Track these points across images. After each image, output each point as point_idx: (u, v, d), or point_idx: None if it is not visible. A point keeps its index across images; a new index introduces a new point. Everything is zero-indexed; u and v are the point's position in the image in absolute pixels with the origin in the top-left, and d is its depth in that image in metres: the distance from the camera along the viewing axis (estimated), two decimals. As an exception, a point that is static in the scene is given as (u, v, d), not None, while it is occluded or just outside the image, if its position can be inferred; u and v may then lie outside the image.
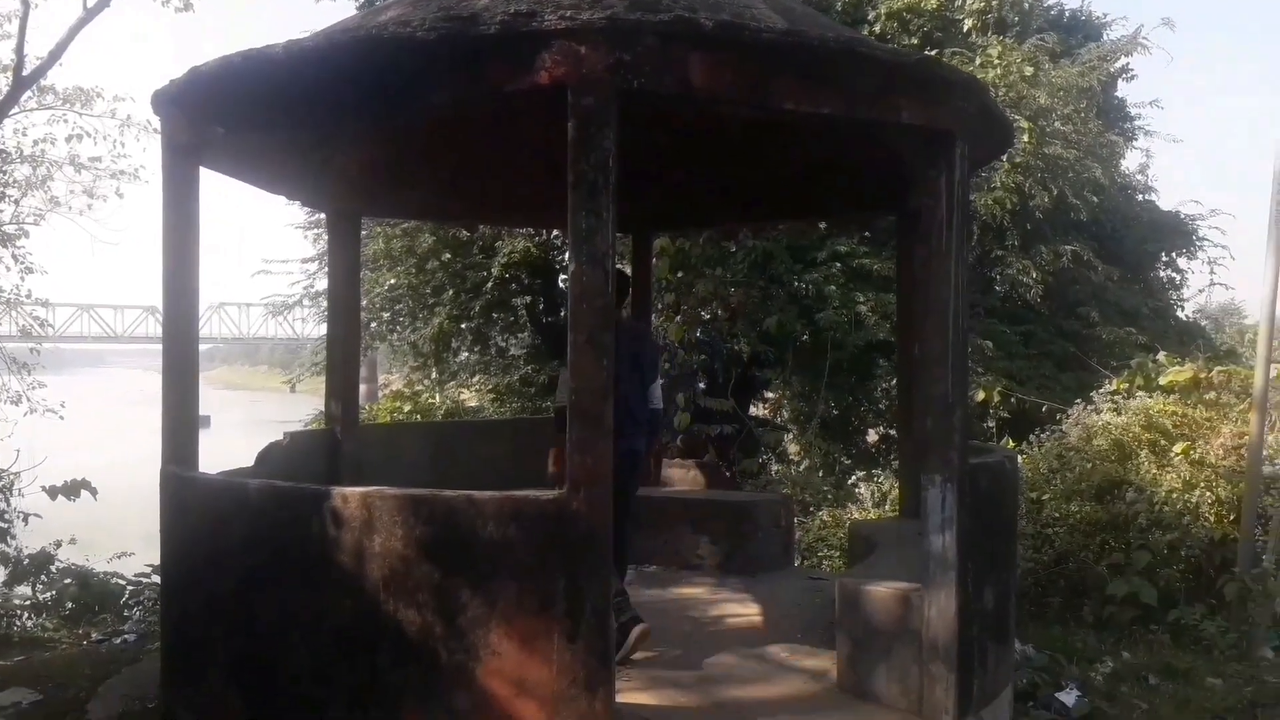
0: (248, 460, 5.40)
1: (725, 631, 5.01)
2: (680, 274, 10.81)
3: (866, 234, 11.02)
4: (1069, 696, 4.60)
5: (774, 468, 10.95)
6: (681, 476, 6.70)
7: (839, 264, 10.39)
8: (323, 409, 6.73)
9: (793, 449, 11.71)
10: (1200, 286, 14.03)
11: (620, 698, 3.88)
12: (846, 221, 10.30)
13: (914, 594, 3.92)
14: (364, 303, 13.04)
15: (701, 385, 11.62)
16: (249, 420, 36.41)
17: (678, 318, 10.80)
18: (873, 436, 11.98)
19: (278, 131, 4.31)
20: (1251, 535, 6.37)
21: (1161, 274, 13.56)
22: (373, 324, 12.97)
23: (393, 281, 12.48)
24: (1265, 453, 6.66)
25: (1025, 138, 10.33)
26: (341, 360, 6.16)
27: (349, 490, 3.59)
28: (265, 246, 47.53)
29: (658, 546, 6.17)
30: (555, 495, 3.31)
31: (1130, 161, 13.72)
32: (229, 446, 8.99)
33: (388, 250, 12.33)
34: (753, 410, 12.70)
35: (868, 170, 5.57)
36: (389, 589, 3.44)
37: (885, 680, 3.96)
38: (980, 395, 9.57)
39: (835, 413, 11.61)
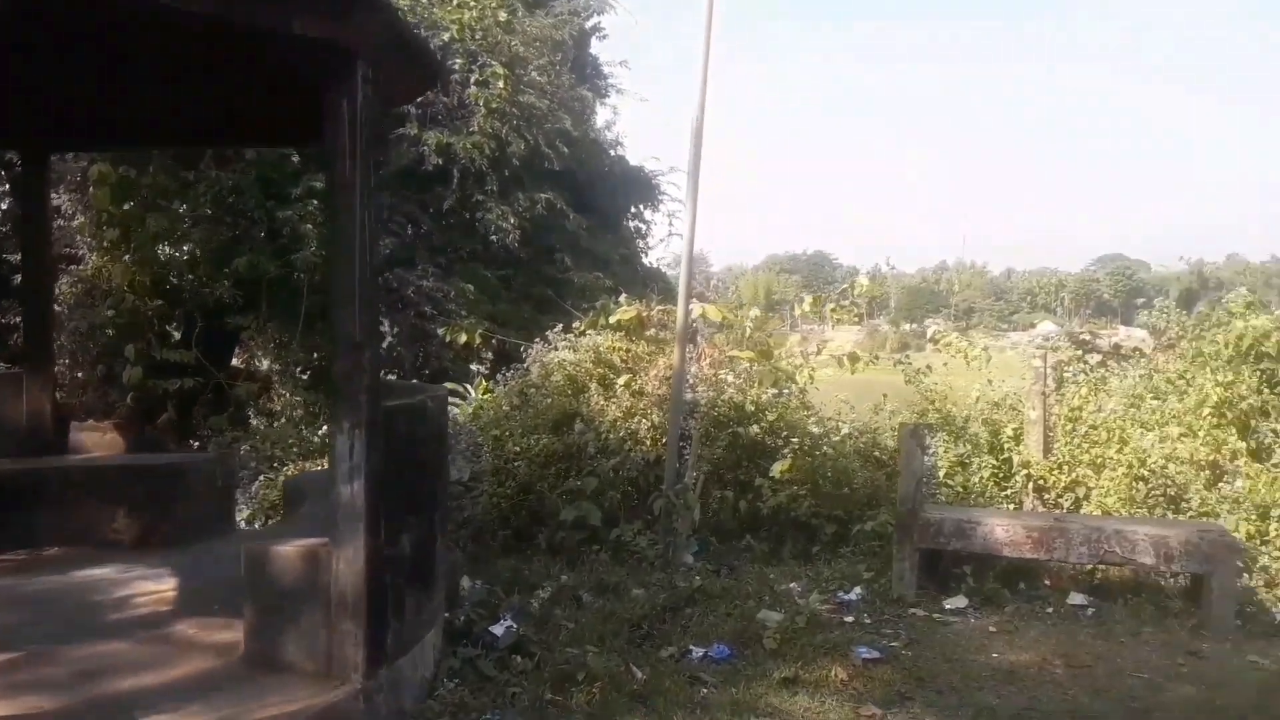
0: None
1: (128, 615, 4.35)
2: (128, 206, 9.39)
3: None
4: (499, 628, 4.70)
5: (254, 422, 10.11)
6: (96, 440, 5.72)
7: (315, 201, 9.77)
8: None
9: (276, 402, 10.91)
10: (661, 236, 15.70)
11: (-53, 721, 3.14)
12: (299, 150, 9.66)
13: (323, 549, 3.67)
14: None
15: (176, 335, 10.29)
16: None
17: (126, 257, 9.37)
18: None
19: None
20: (676, 454, 7.12)
21: (631, 224, 14.89)
22: None
23: None
24: (688, 380, 7.50)
25: (501, 84, 10.55)
26: None
27: None
28: None
29: (60, 524, 5.21)
30: None
31: (601, 118, 14.81)
32: None
33: None
34: (234, 361, 11.62)
35: (296, 93, 5.09)
36: None
37: (293, 645, 3.68)
38: (463, 338, 9.66)
39: (321, 361, 11.03)
